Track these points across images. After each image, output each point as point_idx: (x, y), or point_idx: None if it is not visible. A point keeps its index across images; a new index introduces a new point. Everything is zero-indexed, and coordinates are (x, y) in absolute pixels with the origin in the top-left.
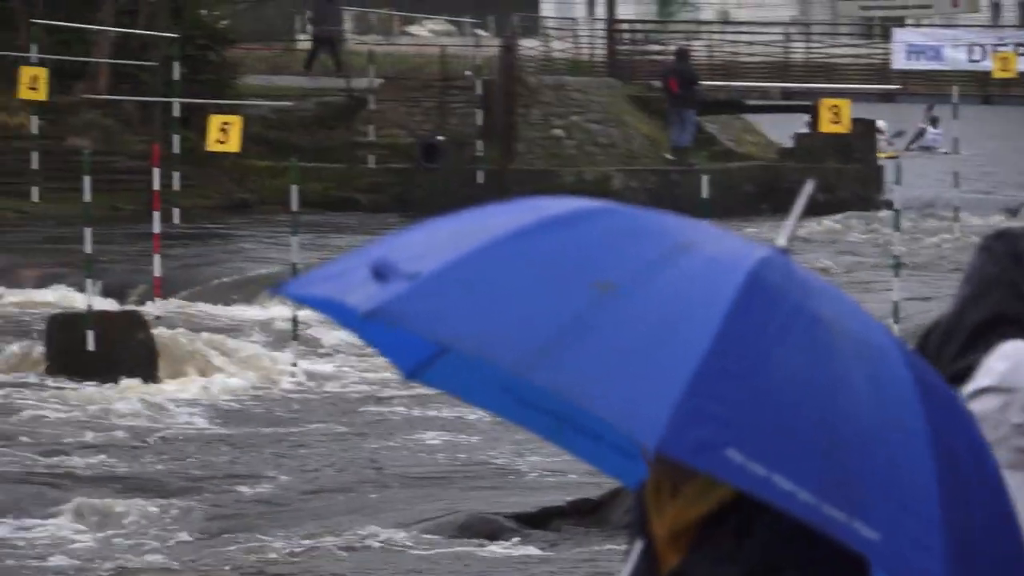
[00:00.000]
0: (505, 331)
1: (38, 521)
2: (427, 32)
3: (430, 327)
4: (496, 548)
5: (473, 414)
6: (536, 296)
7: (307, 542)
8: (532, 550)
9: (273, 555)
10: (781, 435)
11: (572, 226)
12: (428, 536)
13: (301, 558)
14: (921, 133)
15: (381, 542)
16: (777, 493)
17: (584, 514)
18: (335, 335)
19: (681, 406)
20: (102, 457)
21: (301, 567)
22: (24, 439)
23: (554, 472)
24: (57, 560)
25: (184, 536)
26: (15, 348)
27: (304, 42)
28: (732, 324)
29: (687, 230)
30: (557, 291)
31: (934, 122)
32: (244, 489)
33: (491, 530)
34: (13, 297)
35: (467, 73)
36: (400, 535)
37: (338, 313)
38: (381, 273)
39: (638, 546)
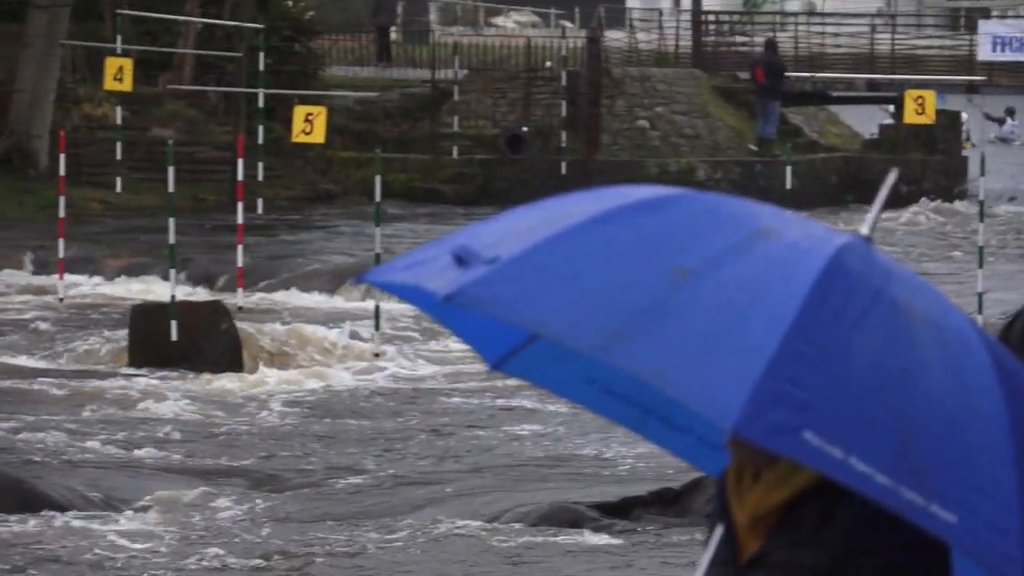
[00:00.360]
0: (583, 315)
1: (122, 513)
2: (512, 24)
3: (508, 310)
4: (577, 537)
5: (558, 405)
6: (615, 281)
7: (391, 533)
8: (613, 539)
9: (358, 546)
10: (859, 420)
11: (653, 212)
12: (510, 525)
13: (386, 549)
14: (1000, 122)
15: (462, 531)
16: (854, 475)
17: (665, 503)
18: (419, 325)
19: (758, 389)
20: (185, 449)
21: (386, 557)
22: (106, 430)
23: (639, 462)
24: (141, 553)
25: (267, 529)
26: (98, 338)
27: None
28: (811, 309)
29: (768, 217)
30: (637, 276)
31: (1011, 113)
32: (328, 481)
33: (572, 519)
34: (96, 287)
35: (548, 64)
36: (482, 525)
37: (420, 299)
38: (462, 259)
39: (718, 532)
